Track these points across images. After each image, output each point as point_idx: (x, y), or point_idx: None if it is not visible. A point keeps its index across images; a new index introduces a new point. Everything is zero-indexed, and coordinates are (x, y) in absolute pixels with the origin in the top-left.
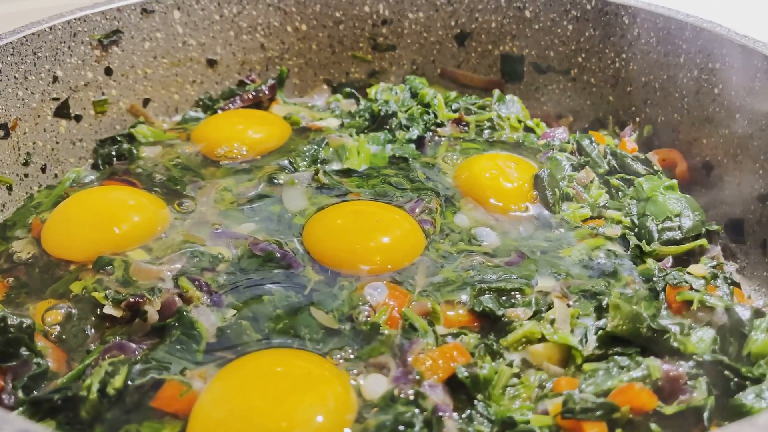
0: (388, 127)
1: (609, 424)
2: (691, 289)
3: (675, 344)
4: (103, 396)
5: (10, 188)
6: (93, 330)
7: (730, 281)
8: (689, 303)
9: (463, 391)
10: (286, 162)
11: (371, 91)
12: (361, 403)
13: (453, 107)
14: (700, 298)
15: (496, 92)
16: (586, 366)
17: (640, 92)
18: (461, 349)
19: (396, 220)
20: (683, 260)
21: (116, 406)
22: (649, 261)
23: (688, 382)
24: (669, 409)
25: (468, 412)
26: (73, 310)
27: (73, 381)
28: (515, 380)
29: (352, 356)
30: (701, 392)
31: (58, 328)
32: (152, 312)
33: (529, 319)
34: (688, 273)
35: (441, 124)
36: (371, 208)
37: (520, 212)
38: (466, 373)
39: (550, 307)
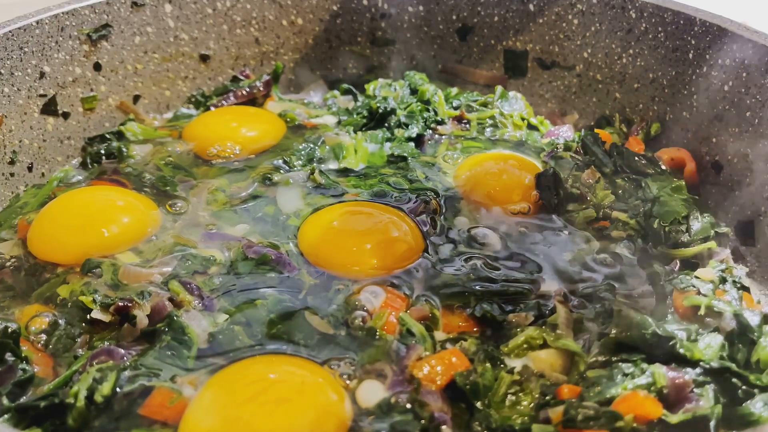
0: (386, 124)
1: None
2: (699, 293)
3: (681, 350)
4: (91, 403)
5: None
6: (81, 335)
7: (739, 285)
8: (697, 308)
9: (461, 398)
10: (281, 161)
11: (369, 87)
12: (356, 411)
13: (454, 104)
14: (708, 303)
15: (499, 89)
16: (590, 373)
17: (648, 89)
18: (460, 355)
19: (394, 221)
20: (691, 263)
21: (104, 413)
22: (656, 264)
23: (695, 390)
24: (674, 418)
25: (467, 420)
26: (60, 320)
27: (60, 388)
28: (516, 387)
29: (352, 369)
30: (708, 400)
31: (43, 336)
32: (141, 316)
33: (530, 324)
34: (696, 277)
35: (441, 122)
36: (368, 209)
37: (522, 213)
38: (465, 380)
39: (552, 311)
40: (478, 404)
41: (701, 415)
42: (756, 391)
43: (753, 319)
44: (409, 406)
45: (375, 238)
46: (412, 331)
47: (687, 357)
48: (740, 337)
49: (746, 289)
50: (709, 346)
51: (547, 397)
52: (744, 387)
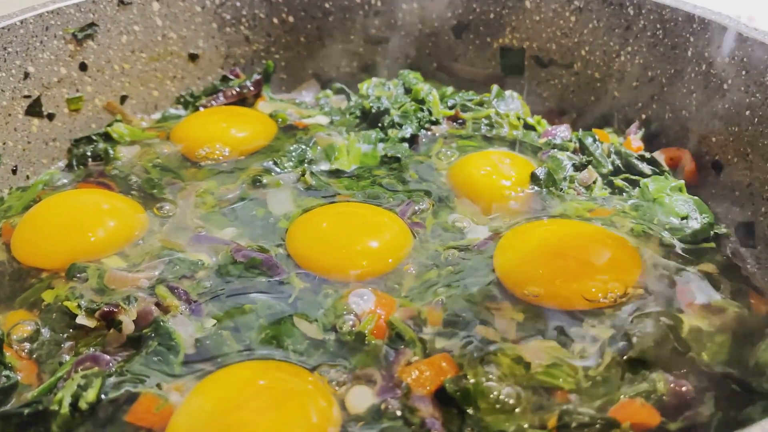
0: (380, 124)
1: None
2: (701, 291)
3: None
4: (75, 410)
5: None
6: (66, 341)
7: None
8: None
9: (453, 403)
10: (271, 162)
11: (363, 87)
12: (345, 417)
13: (449, 104)
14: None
15: (495, 88)
16: (589, 374)
17: (647, 87)
18: (450, 360)
19: (383, 222)
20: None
21: (89, 420)
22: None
23: (695, 397)
24: (673, 425)
25: (458, 425)
26: (43, 329)
27: (44, 394)
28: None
29: (342, 375)
30: (708, 408)
31: (27, 345)
32: (127, 322)
33: None
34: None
35: (436, 122)
36: (356, 209)
37: (515, 211)
38: (455, 387)
39: None
40: (470, 410)
41: (701, 423)
42: (756, 397)
43: (754, 321)
44: (399, 412)
45: (363, 240)
46: (402, 334)
47: (695, 360)
48: (740, 339)
49: (756, 288)
50: (712, 348)
51: (543, 402)
52: (744, 393)
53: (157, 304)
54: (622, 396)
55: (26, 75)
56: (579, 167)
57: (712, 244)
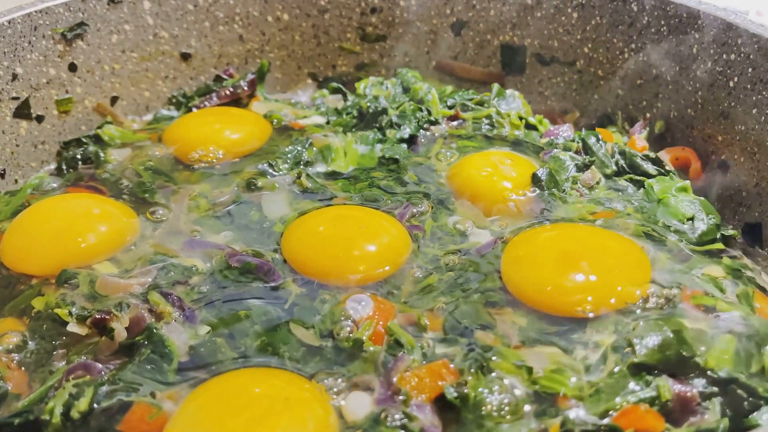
0: (377, 125)
1: None
2: (706, 293)
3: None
4: (67, 420)
5: None
6: (56, 349)
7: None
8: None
9: (453, 410)
10: (266, 165)
11: (360, 86)
12: (342, 425)
13: (448, 103)
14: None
15: (495, 86)
16: (592, 381)
17: (651, 85)
18: (449, 366)
19: (381, 225)
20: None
21: (81, 430)
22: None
23: (701, 403)
24: None
25: None
26: (30, 341)
27: (35, 404)
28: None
29: (341, 383)
30: (714, 414)
31: (15, 356)
32: (119, 329)
33: None
34: (705, 275)
35: (435, 122)
36: (353, 212)
37: (516, 214)
38: (455, 393)
39: None
40: (470, 417)
41: (707, 429)
42: (762, 402)
43: (760, 324)
44: (398, 420)
45: (361, 244)
46: (400, 341)
47: (700, 364)
48: (747, 342)
49: (763, 290)
50: (721, 352)
51: (544, 408)
52: (750, 398)
53: (150, 311)
54: (625, 402)
55: (14, 76)
56: (582, 168)
57: (719, 246)
